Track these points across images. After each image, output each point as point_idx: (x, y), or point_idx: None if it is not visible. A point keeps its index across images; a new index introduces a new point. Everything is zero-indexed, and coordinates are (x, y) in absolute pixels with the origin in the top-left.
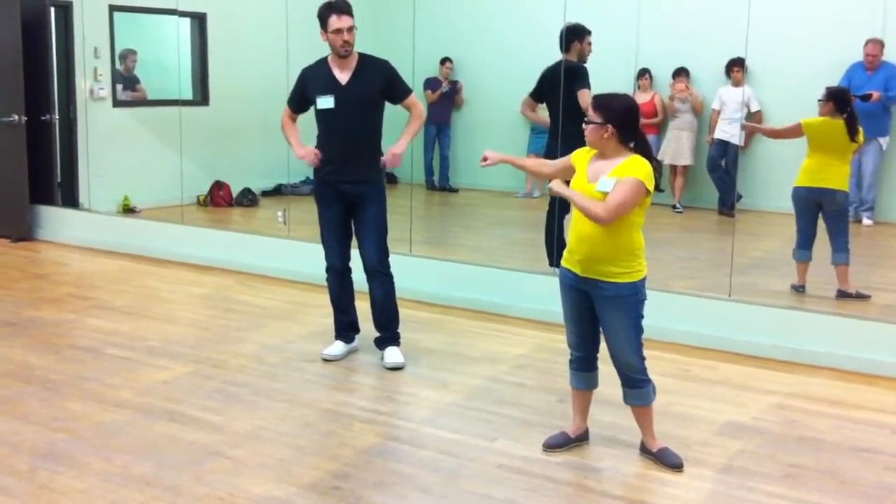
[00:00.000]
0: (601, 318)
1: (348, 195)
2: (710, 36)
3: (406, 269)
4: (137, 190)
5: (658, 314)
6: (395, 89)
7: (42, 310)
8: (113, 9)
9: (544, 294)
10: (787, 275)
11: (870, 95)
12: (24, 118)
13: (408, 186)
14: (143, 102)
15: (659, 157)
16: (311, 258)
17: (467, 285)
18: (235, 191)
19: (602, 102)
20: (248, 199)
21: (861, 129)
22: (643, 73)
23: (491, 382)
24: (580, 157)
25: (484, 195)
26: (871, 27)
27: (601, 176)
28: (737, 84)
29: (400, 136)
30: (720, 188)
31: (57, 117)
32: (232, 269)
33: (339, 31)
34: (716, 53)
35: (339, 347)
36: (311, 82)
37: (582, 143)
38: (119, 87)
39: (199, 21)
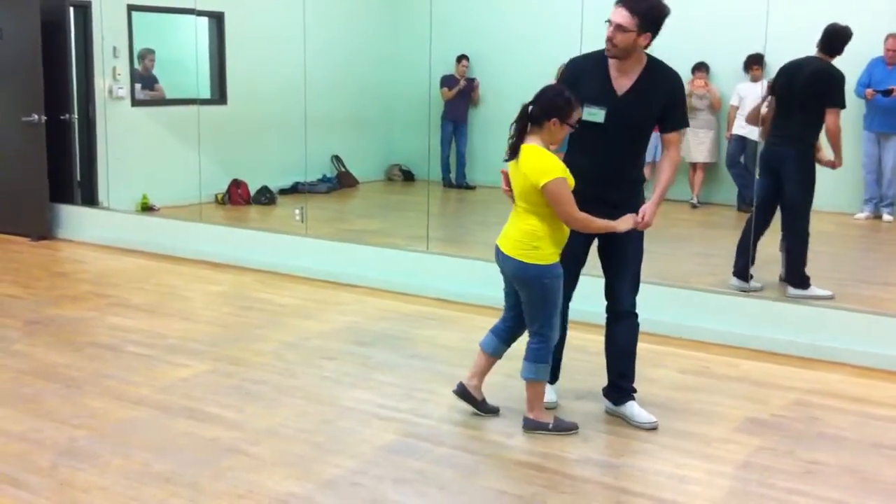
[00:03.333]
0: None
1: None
2: (728, 31)
3: (423, 267)
4: (156, 189)
5: (677, 310)
6: (672, 114)
7: (63, 308)
8: (131, 8)
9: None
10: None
11: (892, 90)
12: (43, 118)
13: (425, 184)
14: (162, 102)
15: (682, 154)
16: (329, 256)
17: (484, 282)
18: (253, 189)
19: None
20: (265, 197)
21: None
22: (701, 66)
23: (508, 379)
24: None
25: (501, 192)
26: (892, 22)
27: None
28: (755, 80)
29: (652, 194)
30: (739, 184)
31: (76, 117)
32: (250, 267)
33: (608, 22)
34: (735, 49)
35: (552, 392)
36: (584, 79)
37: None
38: (137, 86)
39: (216, 20)
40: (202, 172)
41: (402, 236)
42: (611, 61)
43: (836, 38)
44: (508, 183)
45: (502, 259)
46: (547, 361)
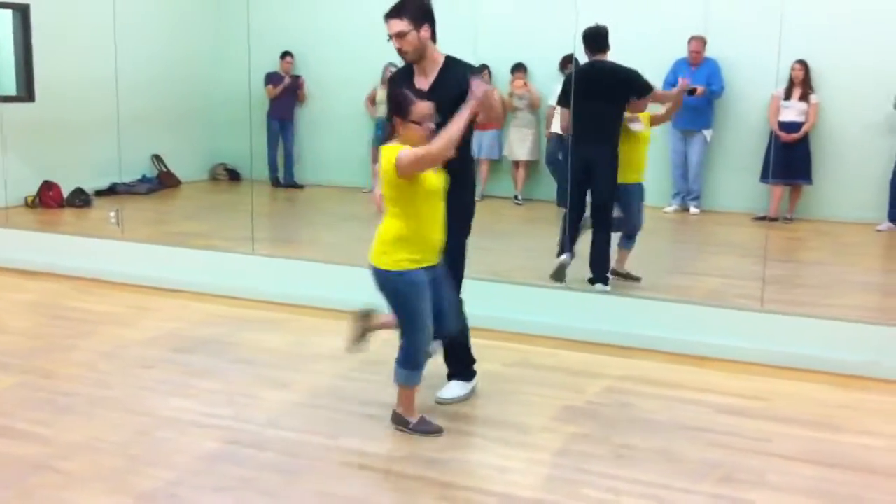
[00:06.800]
0: (443, 295)
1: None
2: (545, 32)
3: (248, 269)
4: None
5: (499, 304)
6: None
7: None
8: None
9: None
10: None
11: (694, 90)
12: None
13: (251, 183)
14: None
15: (505, 153)
16: (148, 260)
17: (312, 283)
18: (67, 191)
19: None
20: (80, 199)
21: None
22: (482, 69)
23: (336, 380)
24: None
25: (330, 191)
26: (695, 25)
27: None
28: None
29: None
30: (558, 180)
31: None
32: (62, 274)
33: (390, 37)
34: (551, 49)
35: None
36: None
37: None
38: None
39: (21, 13)
40: (9, 174)
41: (228, 238)
42: (416, 67)
43: (603, 36)
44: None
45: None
46: (415, 367)
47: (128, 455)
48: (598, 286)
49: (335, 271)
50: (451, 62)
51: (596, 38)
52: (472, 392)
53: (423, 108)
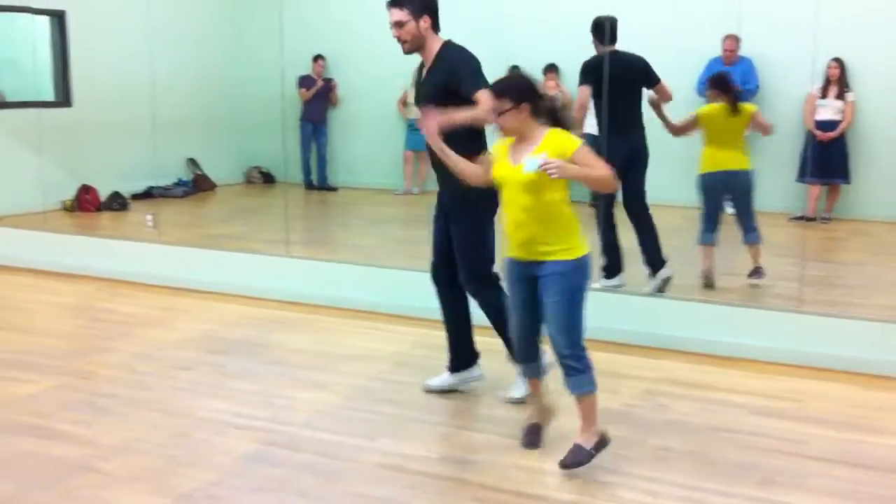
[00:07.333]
0: (544, 301)
1: (442, 205)
2: (578, 32)
3: (282, 270)
4: None
5: None
6: (462, 81)
7: None
8: None
9: (423, 291)
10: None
11: None
12: None
13: (285, 186)
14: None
15: None
16: (183, 262)
17: (346, 284)
18: (104, 195)
19: (506, 87)
20: (117, 202)
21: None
22: (513, 70)
23: (371, 381)
24: (499, 149)
25: (363, 193)
26: (728, 23)
27: (524, 156)
28: None
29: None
30: None
31: None
32: (99, 277)
33: (391, 25)
34: (584, 50)
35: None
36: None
37: None
38: None
39: (58, 19)
40: (47, 178)
41: (263, 240)
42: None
43: (614, 28)
44: None
45: None
46: (515, 357)
47: (167, 456)
48: (662, 272)
49: (369, 273)
50: (446, 47)
51: (613, 29)
52: (462, 383)
53: (486, 101)
